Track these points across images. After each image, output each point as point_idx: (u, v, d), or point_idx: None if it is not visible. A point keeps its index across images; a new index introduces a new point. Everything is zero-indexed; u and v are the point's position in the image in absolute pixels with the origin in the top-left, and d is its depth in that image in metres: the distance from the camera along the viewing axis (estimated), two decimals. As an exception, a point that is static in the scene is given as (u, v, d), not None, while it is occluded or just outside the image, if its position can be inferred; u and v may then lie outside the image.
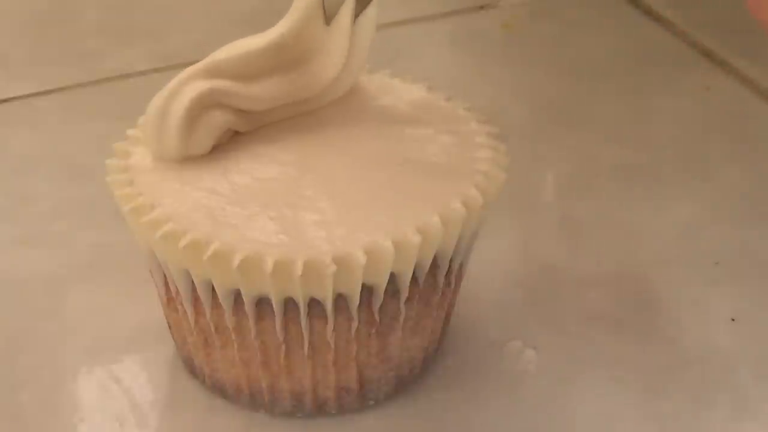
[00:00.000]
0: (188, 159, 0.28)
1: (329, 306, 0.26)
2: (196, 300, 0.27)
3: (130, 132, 0.29)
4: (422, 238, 0.26)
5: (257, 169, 0.28)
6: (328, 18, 0.28)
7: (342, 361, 0.28)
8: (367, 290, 0.26)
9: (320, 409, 0.29)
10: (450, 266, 0.28)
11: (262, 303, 0.26)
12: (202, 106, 0.27)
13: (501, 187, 0.28)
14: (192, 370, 0.30)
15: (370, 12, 0.28)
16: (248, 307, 0.26)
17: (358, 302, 0.26)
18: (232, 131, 0.29)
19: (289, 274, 0.25)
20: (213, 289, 0.26)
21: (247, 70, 0.28)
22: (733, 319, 0.32)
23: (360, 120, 0.29)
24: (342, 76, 0.29)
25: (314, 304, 0.26)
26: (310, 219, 0.26)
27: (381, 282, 0.26)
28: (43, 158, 0.39)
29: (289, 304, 0.26)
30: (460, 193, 0.27)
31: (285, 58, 0.28)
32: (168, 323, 0.30)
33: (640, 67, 0.46)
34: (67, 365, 0.31)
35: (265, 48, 0.28)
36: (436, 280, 0.28)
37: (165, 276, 0.27)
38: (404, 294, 0.27)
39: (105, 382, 0.30)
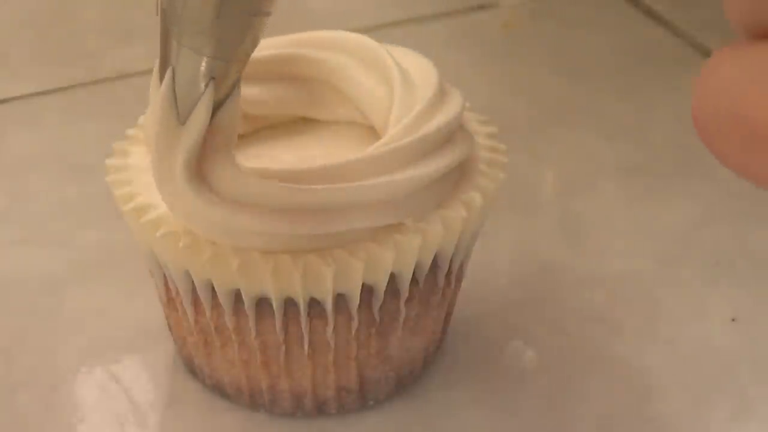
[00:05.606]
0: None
1: (329, 306, 0.26)
2: (196, 300, 0.27)
3: (130, 132, 0.29)
4: (422, 239, 0.26)
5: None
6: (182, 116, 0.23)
7: (342, 361, 0.28)
8: (367, 290, 0.26)
9: (320, 410, 0.29)
10: (450, 266, 0.28)
11: (262, 303, 0.26)
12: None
13: (501, 187, 0.28)
14: (192, 370, 0.30)
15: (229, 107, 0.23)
16: (248, 307, 0.26)
17: (358, 302, 0.26)
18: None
19: (289, 274, 0.25)
20: (213, 289, 0.26)
21: (250, 73, 0.28)
22: (733, 319, 0.32)
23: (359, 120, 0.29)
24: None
25: (314, 304, 0.26)
26: (310, 219, 0.26)
27: (381, 282, 0.26)
28: (43, 158, 0.39)
29: (289, 304, 0.26)
30: (461, 193, 0.27)
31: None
32: (168, 323, 0.30)
33: (640, 66, 0.46)
34: (67, 365, 0.31)
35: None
36: (436, 280, 0.28)
37: (165, 276, 0.27)
38: (404, 294, 0.27)
39: (105, 382, 0.30)
